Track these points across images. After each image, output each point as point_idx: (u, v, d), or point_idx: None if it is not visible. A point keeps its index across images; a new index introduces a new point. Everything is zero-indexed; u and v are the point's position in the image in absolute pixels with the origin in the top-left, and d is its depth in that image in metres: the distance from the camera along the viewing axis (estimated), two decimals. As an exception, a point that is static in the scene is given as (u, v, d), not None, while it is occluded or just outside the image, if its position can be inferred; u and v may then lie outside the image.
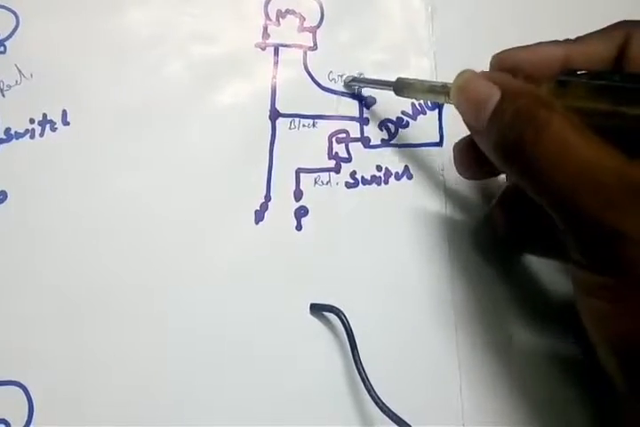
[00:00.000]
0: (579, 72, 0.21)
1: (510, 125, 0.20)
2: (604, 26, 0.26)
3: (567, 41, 0.24)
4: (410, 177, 0.30)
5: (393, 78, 0.31)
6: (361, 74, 0.31)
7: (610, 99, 0.19)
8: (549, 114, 0.19)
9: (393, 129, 0.30)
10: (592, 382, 0.27)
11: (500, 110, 0.21)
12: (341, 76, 0.31)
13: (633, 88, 0.19)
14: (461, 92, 0.23)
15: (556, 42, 0.24)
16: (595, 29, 0.28)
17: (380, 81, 0.29)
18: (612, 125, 0.19)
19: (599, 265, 0.19)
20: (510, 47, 0.24)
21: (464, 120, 0.23)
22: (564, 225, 0.19)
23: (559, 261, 0.27)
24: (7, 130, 0.30)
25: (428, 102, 0.31)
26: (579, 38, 0.24)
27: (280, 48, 0.31)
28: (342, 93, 0.31)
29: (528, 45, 0.24)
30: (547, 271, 0.28)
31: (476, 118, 0.21)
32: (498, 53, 0.24)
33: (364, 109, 0.31)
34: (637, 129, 0.19)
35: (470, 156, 0.25)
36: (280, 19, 0.32)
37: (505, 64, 0.24)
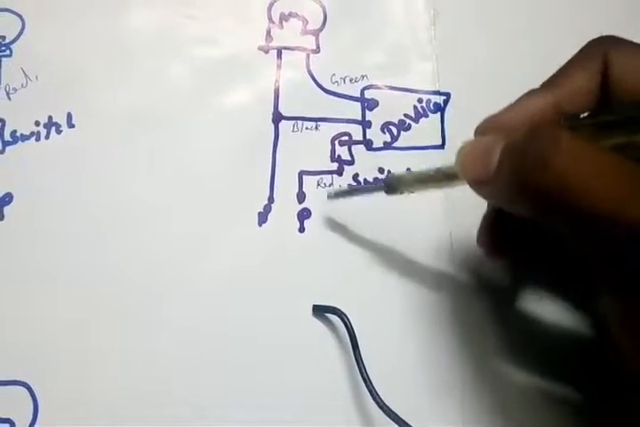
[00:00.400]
0: (581, 116, 0.21)
1: (523, 152, 0.19)
2: (606, 31, 0.26)
3: (547, 86, 0.22)
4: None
5: (396, 81, 0.31)
6: (364, 76, 0.31)
7: (621, 132, 0.19)
8: (560, 132, 0.18)
9: (395, 132, 0.31)
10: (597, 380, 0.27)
11: (508, 148, 0.19)
12: (344, 79, 0.31)
13: None
14: (464, 151, 0.22)
15: (535, 91, 0.22)
16: (596, 34, 0.28)
17: (368, 186, 0.28)
18: (627, 158, 0.18)
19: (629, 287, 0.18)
20: (491, 114, 0.23)
21: (468, 179, 0.21)
22: (591, 248, 0.18)
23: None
24: (13, 132, 0.30)
25: (431, 105, 0.31)
26: (557, 77, 0.22)
27: (283, 51, 0.31)
28: (345, 96, 0.31)
29: (509, 106, 0.22)
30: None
31: (482, 168, 0.20)
32: (480, 123, 0.23)
33: (367, 112, 0.31)
34: None
35: (494, 235, 0.25)
36: (283, 22, 0.32)
37: (494, 133, 0.22)
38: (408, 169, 0.30)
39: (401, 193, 0.25)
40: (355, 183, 0.30)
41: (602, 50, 0.22)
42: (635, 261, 0.18)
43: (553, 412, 0.27)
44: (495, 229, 0.23)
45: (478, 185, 0.21)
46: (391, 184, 0.25)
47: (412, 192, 0.25)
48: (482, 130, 0.23)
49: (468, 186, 0.21)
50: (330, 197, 0.29)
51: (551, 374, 0.27)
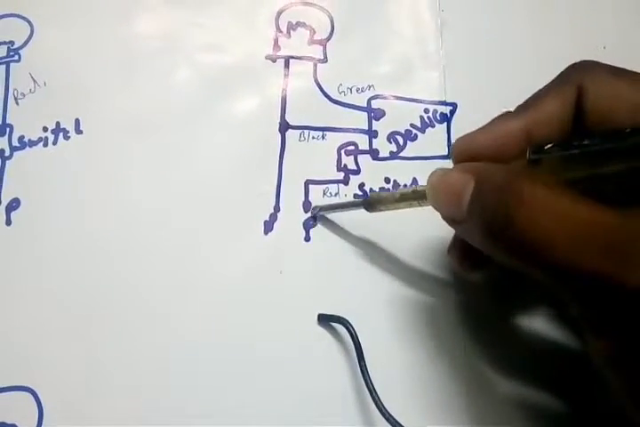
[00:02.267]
0: (546, 147, 0.20)
1: (489, 206, 0.19)
2: (611, 38, 0.26)
3: (520, 110, 0.23)
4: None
5: (403, 91, 0.31)
6: (371, 85, 0.31)
7: (586, 164, 0.19)
8: (524, 185, 0.18)
9: (401, 141, 0.31)
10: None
11: (477, 195, 0.20)
12: (351, 89, 0.31)
13: (606, 148, 0.19)
14: (435, 189, 0.22)
15: (509, 115, 0.23)
16: (600, 43, 0.28)
17: (348, 203, 0.28)
18: (594, 189, 0.19)
19: (605, 327, 0.18)
20: (464, 134, 0.24)
21: (443, 216, 0.22)
22: (565, 293, 0.19)
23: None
24: (21, 138, 0.30)
25: (437, 115, 0.31)
26: (531, 102, 0.23)
27: (290, 60, 0.32)
28: (352, 106, 0.31)
29: (484, 127, 0.23)
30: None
31: (455, 210, 0.21)
32: (455, 143, 0.24)
33: (373, 122, 0.31)
34: (620, 184, 0.18)
35: (464, 252, 0.25)
36: (291, 31, 0.32)
37: (467, 153, 0.23)
38: (415, 179, 0.30)
39: (380, 211, 0.26)
40: (361, 193, 0.30)
41: (577, 76, 0.22)
42: (593, 303, 0.18)
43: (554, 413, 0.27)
44: (467, 245, 0.23)
45: (451, 223, 0.22)
46: (371, 202, 0.26)
47: (391, 210, 0.26)
48: (456, 152, 0.24)
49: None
50: (314, 212, 0.29)
51: (547, 386, 0.27)
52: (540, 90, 0.23)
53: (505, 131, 0.22)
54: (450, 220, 0.22)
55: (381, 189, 0.30)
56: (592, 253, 0.17)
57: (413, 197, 0.24)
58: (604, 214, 0.17)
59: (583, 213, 0.18)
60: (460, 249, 0.25)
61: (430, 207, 0.23)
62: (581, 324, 0.20)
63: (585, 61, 0.23)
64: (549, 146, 0.20)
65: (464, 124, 0.30)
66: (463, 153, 0.23)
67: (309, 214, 0.29)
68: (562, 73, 0.23)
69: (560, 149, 0.20)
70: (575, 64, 0.23)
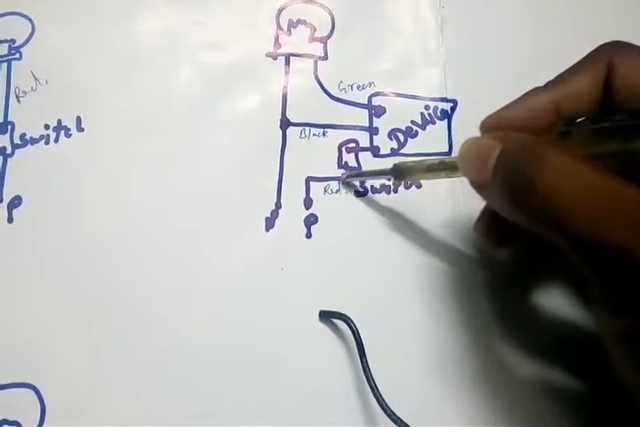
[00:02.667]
0: (578, 120, 0.21)
1: (513, 170, 0.19)
2: (613, 35, 0.26)
3: (550, 85, 0.23)
4: (419, 186, 0.30)
5: (403, 88, 0.31)
6: (371, 83, 0.31)
7: (615, 139, 0.19)
8: (548, 151, 0.19)
9: (402, 138, 0.31)
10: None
11: (502, 158, 0.20)
12: (351, 86, 0.31)
13: (636, 124, 0.19)
14: (464, 154, 0.22)
15: (539, 90, 0.23)
16: (603, 40, 0.28)
17: (377, 171, 0.28)
18: (620, 166, 0.19)
19: (626, 305, 0.18)
20: (495, 110, 0.24)
21: (470, 181, 0.22)
22: (587, 266, 0.19)
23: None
24: (22, 135, 0.30)
25: (438, 112, 0.31)
26: (561, 78, 0.23)
27: (291, 58, 0.32)
28: (352, 103, 0.31)
29: (513, 102, 0.23)
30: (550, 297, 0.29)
31: (481, 174, 0.21)
32: (486, 118, 0.24)
33: (374, 119, 0.31)
34: None
35: (491, 224, 0.25)
36: (291, 28, 0.32)
37: (496, 127, 0.23)
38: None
39: (406, 181, 0.26)
40: (362, 190, 0.30)
41: (607, 54, 0.22)
42: (615, 279, 0.18)
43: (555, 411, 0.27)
44: (495, 218, 0.24)
45: (477, 187, 0.22)
46: (397, 172, 0.26)
47: (418, 180, 0.26)
48: (485, 126, 0.24)
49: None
50: (342, 180, 0.30)
51: (560, 369, 0.27)
52: (571, 66, 0.23)
53: (534, 105, 0.23)
54: (476, 184, 0.22)
55: (382, 185, 0.30)
56: (616, 227, 0.17)
57: (441, 167, 0.24)
58: (630, 189, 0.17)
59: (608, 185, 0.18)
60: (487, 225, 0.26)
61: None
62: (599, 302, 0.19)
63: (615, 41, 0.23)
64: (580, 119, 0.21)
65: (464, 121, 0.31)
66: (492, 127, 0.23)
67: (311, 211, 0.29)
68: (592, 52, 0.23)
69: (590, 123, 0.20)
70: (605, 43, 0.23)
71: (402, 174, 0.26)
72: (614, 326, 0.19)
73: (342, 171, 0.30)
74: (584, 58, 0.23)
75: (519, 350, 0.28)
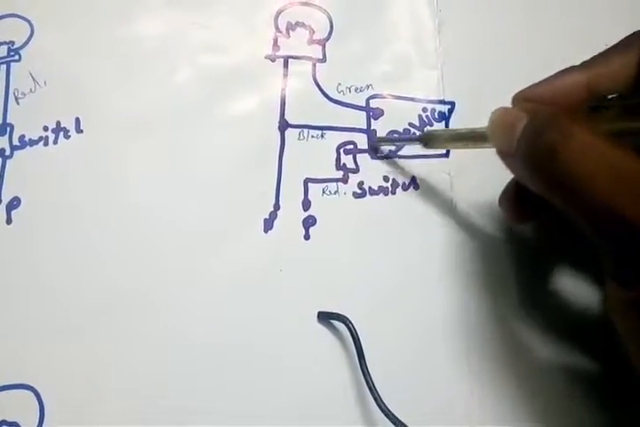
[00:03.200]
0: (609, 96, 0.21)
1: (537, 139, 0.20)
2: (610, 37, 0.26)
3: (585, 65, 0.24)
4: (416, 188, 0.30)
5: (401, 91, 0.32)
6: (369, 85, 0.32)
7: None
8: (574, 125, 0.19)
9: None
10: (607, 390, 0.27)
11: (529, 128, 0.21)
12: (349, 88, 0.31)
13: None
14: (493, 122, 0.23)
15: (573, 68, 0.24)
16: (600, 42, 0.28)
17: (406, 137, 0.29)
18: None
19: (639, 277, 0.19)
20: (530, 84, 0.24)
21: (496, 150, 0.23)
22: (601, 239, 0.19)
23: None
24: (21, 137, 0.30)
25: (435, 114, 0.31)
26: (596, 59, 0.24)
27: (289, 60, 0.32)
28: (350, 105, 0.31)
29: (546, 78, 0.24)
30: (566, 281, 0.29)
31: (507, 141, 0.22)
32: (518, 92, 0.24)
33: (372, 121, 0.31)
34: None
35: (512, 198, 0.26)
36: (290, 31, 0.32)
37: (527, 102, 0.24)
38: (414, 178, 0.30)
39: (436, 148, 0.27)
40: (360, 191, 0.30)
41: None
42: (628, 251, 0.19)
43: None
44: (519, 193, 0.25)
45: (501, 155, 0.23)
46: (427, 139, 0.27)
47: (446, 148, 0.27)
48: (517, 100, 0.24)
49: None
50: (373, 144, 0.30)
51: (562, 381, 0.28)
52: (605, 50, 0.24)
53: (567, 82, 0.23)
54: (502, 153, 0.23)
55: (380, 187, 0.30)
56: (630, 201, 0.18)
57: (470, 136, 0.25)
58: None
59: (627, 162, 0.18)
60: (511, 199, 0.26)
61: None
62: (612, 274, 0.20)
63: None
64: (611, 96, 0.21)
65: (462, 123, 0.31)
66: (524, 101, 0.24)
67: (309, 213, 0.30)
68: (625, 38, 0.24)
69: (621, 100, 0.21)
70: (637, 31, 0.24)
71: (431, 142, 0.27)
72: (625, 299, 0.20)
73: (340, 171, 0.30)
74: (617, 44, 0.24)
75: (519, 351, 0.28)
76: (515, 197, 0.26)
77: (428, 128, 0.27)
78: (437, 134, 0.27)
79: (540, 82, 0.24)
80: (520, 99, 0.24)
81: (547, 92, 0.23)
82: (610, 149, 0.19)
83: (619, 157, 0.18)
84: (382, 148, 0.31)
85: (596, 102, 0.21)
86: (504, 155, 0.23)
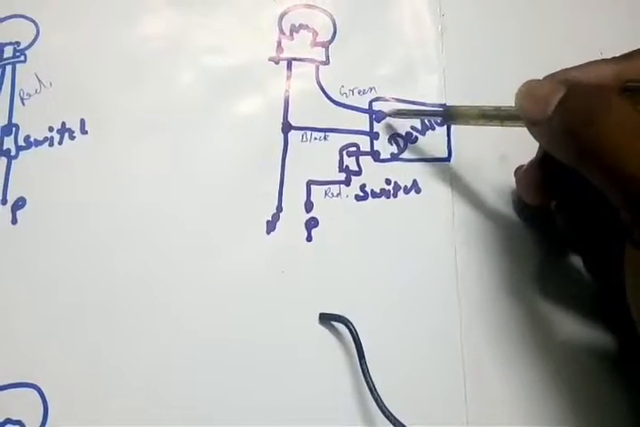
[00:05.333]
0: None
1: (577, 106, 0.21)
2: (610, 42, 0.26)
3: (614, 58, 0.24)
4: (418, 191, 0.30)
5: (404, 94, 0.32)
6: (372, 88, 0.32)
7: None
8: (615, 97, 0.20)
9: (402, 143, 0.31)
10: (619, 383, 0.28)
11: (567, 96, 0.22)
12: (352, 91, 0.32)
13: None
14: (524, 93, 0.24)
15: (604, 60, 0.24)
16: (602, 47, 0.29)
17: (427, 111, 0.29)
18: None
19: None
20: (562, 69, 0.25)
21: (524, 118, 0.24)
22: (627, 207, 0.20)
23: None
24: (27, 137, 0.30)
25: (437, 119, 0.31)
26: (628, 54, 0.24)
27: (293, 62, 0.32)
28: (353, 108, 0.31)
29: (578, 65, 0.25)
30: (568, 284, 0.29)
31: (539, 110, 0.22)
32: (550, 74, 0.25)
33: (375, 124, 0.31)
34: None
35: (535, 176, 0.26)
36: (293, 33, 0.32)
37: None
38: (415, 181, 0.30)
39: (457, 124, 0.28)
40: (362, 193, 0.30)
41: None
42: None
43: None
44: (540, 172, 0.26)
45: (532, 124, 0.23)
46: (449, 114, 0.27)
47: (468, 125, 0.27)
48: (547, 79, 0.25)
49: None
50: (390, 115, 0.30)
51: (563, 381, 0.28)
52: (635, 50, 0.24)
53: (598, 72, 0.24)
54: (530, 121, 0.23)
55: (382, 190, 0.30)
56: None
57: (496, 114, 0.25)
58: None
59: None
60: (533, 180, 0.27)
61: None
62: (635, 245, 0.21)
63: None
64: None
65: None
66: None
67: (311, 215, 0.30)
68: None
69: None
70: None
71: (453, 117, 0.27)
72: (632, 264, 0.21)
73: (343, 174, 0.30)
74: None
75: (520, 351, 0.28)
76: (536, 176, 0.26)
77: (449, 105, 0.27)
78: (461, 110, 0.27)
79: (572, 68, 0.24)
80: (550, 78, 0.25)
81: (578, 75, 0.24)
82: None
83: None
84: (385, 148, 0.31)
85: (631, 84, 0.22)
86: (534, 123, 0.23)
